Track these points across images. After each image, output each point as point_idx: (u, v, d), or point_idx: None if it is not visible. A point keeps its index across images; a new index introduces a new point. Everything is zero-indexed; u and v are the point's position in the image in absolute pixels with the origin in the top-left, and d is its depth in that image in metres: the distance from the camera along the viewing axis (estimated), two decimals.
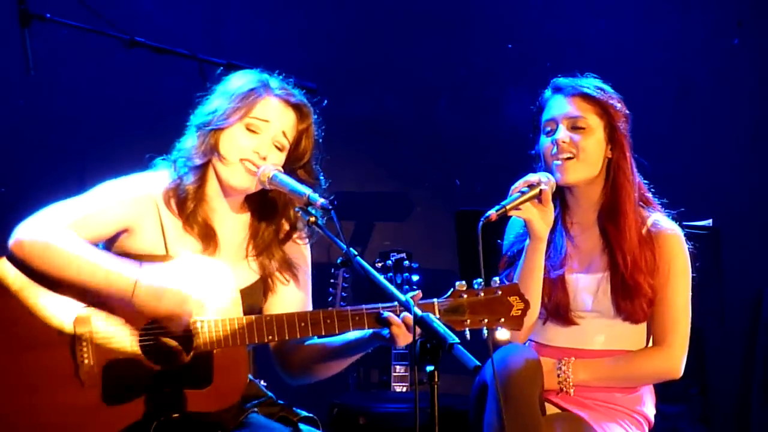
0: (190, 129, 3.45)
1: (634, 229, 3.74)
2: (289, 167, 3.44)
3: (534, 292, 3.72)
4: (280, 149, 3.42)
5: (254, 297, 3.48)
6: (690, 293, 3.77)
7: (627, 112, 3.80)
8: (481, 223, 3.60)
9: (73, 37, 4.93)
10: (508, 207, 3.66)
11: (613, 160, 3.77)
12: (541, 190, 3.67)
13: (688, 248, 3.79)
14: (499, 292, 3.36)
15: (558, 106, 3.78)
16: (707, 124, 5.80)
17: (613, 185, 3.76)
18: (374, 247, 5.75)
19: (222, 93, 3.45)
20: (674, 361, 3.74)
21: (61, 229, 3.26)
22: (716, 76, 5.81)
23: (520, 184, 3.69)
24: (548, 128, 3.78)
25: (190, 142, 3.44)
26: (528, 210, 3.69)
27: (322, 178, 3.51)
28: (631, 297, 3.72)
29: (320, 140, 3.50)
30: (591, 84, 3.79)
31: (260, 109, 3.40)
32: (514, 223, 3.92)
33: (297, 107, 3.44)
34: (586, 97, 3.76)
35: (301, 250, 3.56)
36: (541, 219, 3.70)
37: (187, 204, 3.40)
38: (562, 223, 3.84)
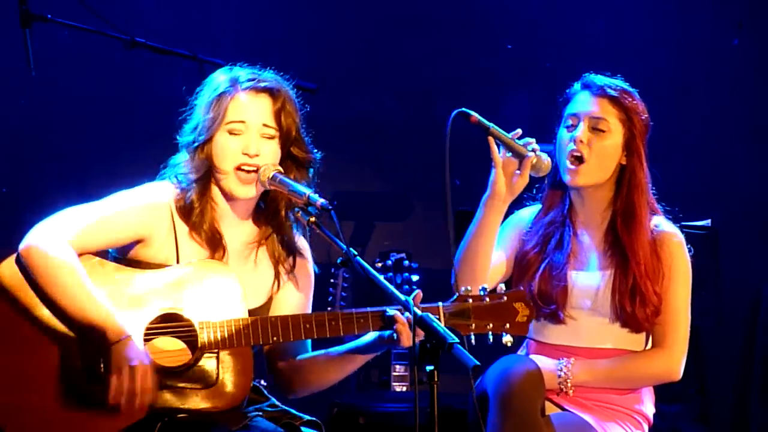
0: (181, 148, 3.45)
1: (647, 240, 3.74)
2: (284, 148, 3.43)
3: (483, 252, 3.71)
4: (270, 138, 3.41)
5: (265, 314, 3.47)
6: (690, 296, 3.78)
7: (650, 122, 3.80)
8: (457, 112, 3.60)
9: (74, 37, 4.94)
10: (493, 130, 3.64)
11: (627, 167, 3.77)
12: (527, 156, 3.65)
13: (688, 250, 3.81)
14: (505, 298, 3.37)
15: (583, 103, 3.78)
16: (707, 125, 5.80)
17: (629, 193, 3.75)
18: (374, 247, 5.75)
19: (198, 106, 3.44)
20: (674, 363, 3.75)
21: (70, 251, 3.23)
22: (716, 76, 5.81)
23: (520, 134, 3.66)
24: (570, 122, 3.79)
25: (182, 158, 3.43)
26: (502, 161, 3.66)
27: (314, 151, 3.49)
28: (642, 303, 3.72)
29: (301, 111, 3.47)
30: (620, 87, 3.78)
31: (233, 111, 3.38)
32: (510, 220, 3.93)
33: (267, 91, 3.41)
34: (612, 100, 3.75)
35: (304, 251, 3.57)
36: (507, 179, 3.65)
37: (193, 212, 3.40)
38: (570, 221, 3.85)
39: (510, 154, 3.66)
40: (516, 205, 3.95)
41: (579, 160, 3.75)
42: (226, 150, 3.38)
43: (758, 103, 5.79)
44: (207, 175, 3.42)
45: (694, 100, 5.80)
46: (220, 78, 3.44)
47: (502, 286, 3.40)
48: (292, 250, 3.52)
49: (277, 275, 3.50)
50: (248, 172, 3.38)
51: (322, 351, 3.47)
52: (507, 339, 3.35)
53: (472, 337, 3.34)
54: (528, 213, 3.93)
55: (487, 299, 3.36)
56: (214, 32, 5.68)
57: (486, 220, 3.70)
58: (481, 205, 3.71)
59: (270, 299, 3.50)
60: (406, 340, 3.25)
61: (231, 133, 3.38)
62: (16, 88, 5.34)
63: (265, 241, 3.50)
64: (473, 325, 3.33)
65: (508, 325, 3.35)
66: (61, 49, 5.28)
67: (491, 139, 3.66)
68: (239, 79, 3.42)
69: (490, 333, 3.35)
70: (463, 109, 3.62)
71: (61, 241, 3.25)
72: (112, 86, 5.54)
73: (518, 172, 3.65)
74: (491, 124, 3.65)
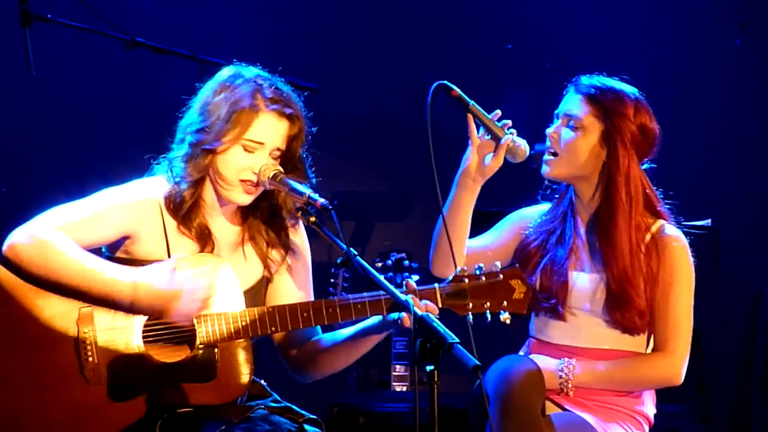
0: (183, 143, 3.40)
1: (625, 242, 3.71)
2: (281, 165, 3.43)
3: (456, 233, 3.70)
4: (276, 158, 3.40)
5: (259, 296, 3.49)
6: (692, 301, 3.77)
7: (644, 124, 3.76)
8: (438, 84, 3.61)
9: (74, 37, 4.94)
10: (472, 107, 3.64)
11: (606, 166, 3.77)
12: (503, 138, 3.64)
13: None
14: (501, 276, 3.37)
15: (566, 102, 3.80)
16: (707, 125, 5.80)
17: (607, 195, 3.75)
18: (374, 247, 5.76)
19: (212, 104, 3.38)
20: (675, 368, 3.75)
21: (55, 232, 3.23)
22: (717, 76, 5.82)
23: (500, 116, 3.66)
24: (555, 120, 3.81)
25: (182, 153, 3.40)
26: (479, 142, 3.66)
27: (310, 171, 3.48)
28: (621, 309, 3.72)
29: (310, 136, 3.45)
30: (606, 86, 3.77)
31: (255, 131, 3.34)
32: (513, 214, 3.94)
33: (288, 117, 3.39)
34: (591, 99, 3.75)
35: (298, 238, 3.56)
36: (479, 158, 3.65)
37: (183, 206, 3.39)
38: (572, 217, 3.85)
39: (489, 136, 3.66)
40: (524, 205, 3.96)
41: (553, 154, 3.78)
42: (236, 164, 3.36)
43: (759, 104, 5.80)
44: (204, 177, 3.41)
45: (695, 100, 5.80)
46: (243, 87, 3.38)
47: (497, 264, 3.40)
48: (283, 232, 3.52)
49: (267, 258, 3.50)
50: (251, 184, 3.38)
51: (330, 336, 3.47)
52: (505, 317, 3.35)
53: (470, 317, 3.34)
54: (534, 210, 3.94)
55: (483, 278, 3.35)
56: (214, 32, 5.68)
57: (457, 198, 3.71)
58: (453, 184, 3.72)
59: (262, 279, 3.50)
60: (408, 322, 3.25)
61: (245, 149, 3.36)
62: (16, 88, 5.35)
63: (251, 230, 3.49)
64: (470, 304, 3.33)
65: (505, 303, 3.35)
66: (61, 49, 5.28)
67: (470, 117, 3.66)
68: (264, 92, 3.37)
69: (488, 312, 3.34)
70: (445, 81, 3.61)
71: (43, 227, 3.23)
72: (112, 86, 5.54)
73: (493, 154, 3.65)
74: (472, 101, 3.65)
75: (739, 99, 5.81)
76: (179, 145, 3.42)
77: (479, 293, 3.34)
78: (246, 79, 3.40)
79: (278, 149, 3.39)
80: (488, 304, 3.34)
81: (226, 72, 3.45)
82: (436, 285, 3.35)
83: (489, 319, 3.36)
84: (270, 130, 3.37)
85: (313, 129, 3.47)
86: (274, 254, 3.51)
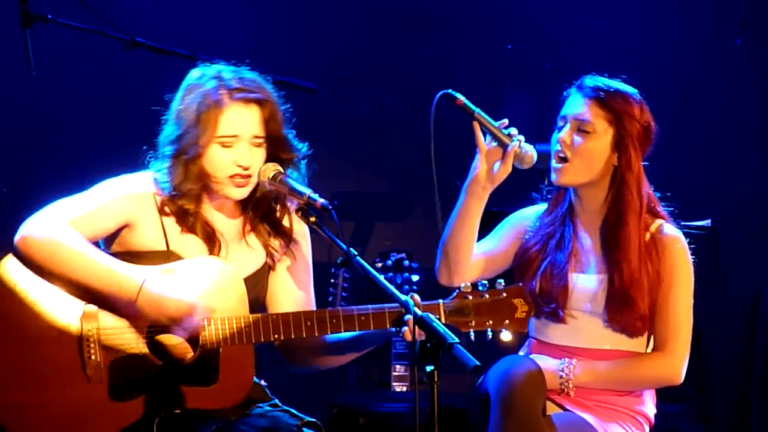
0: (165, 157, 3.40)
1: (635, 245, 3.72)
2: (270, 151, 3.43)
3: (464, 240, 3.72)
4: (258, 146, 3.40)
5: (259, 286, 3.49)
6: (692, 301, 3.78)
7: (648, 122, 3.77)
8: (442, 93, 3.62)
9: (74, 37, 4.94)
10: (478, 116, 3.65)
11: (617, 168, 3.77)
12: (510, 145, 3.65)
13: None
14: (504, 294, 3.38)
15: (572, 105, 3.78)
16: (707, 125, 5.80)
17: (617, 197, 3.75)
18: (374, 247, 5.76)
19: (182, 109, 3.40)
20: (675, 368, 3.75)
21: (66, 227, 3.28)
22: (717, 76, 5.81)
23: (507, 124, 3.67)
24: (560, 124, 3.80)
25: (166, 166, 3.40)
26: (487, 149, 3.67)
27: (300, 146, 3.47)
28: (623, 311, 3.72)
29: (287, 114, 3.44)
30: (612, 88, 3.76)
31: (225, 125, 3.35)
32: (512, 216, 3.94)
33: (256, 101, 3.39)
34: (599, 102, 3.74)
35: (299, 228, 3.56)
36: (488, 166, 3.66)
37: (188, 218, 3.42)
38: (570, 220, 3.85)
39: (496, 143, 3.66)
40: (525, 205, 3.96)
41: (564, 160, 3.76)
42: (219, 162, 3.37)
43: (759, 104, 5.80)
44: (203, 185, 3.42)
45: (696, 101, 5.80)
46: (206, 86, 3.40)
47: (501, 282, 3.41)
48: (285, 219, 3.52)
49: (269, 245, 3.51)
50: (243, 177, 3.38)
51: (330, 336, 3.46)
52: (506, 335, 3.36)
53: (472, 334, 3.35)
54: (532, 211, 3.94)
55: (487, 296, 3.37)
56: (214, 32, 5.68)
57: (466, 206, 3.72)
58: (462, 191, 3.73)
59: (264, 266, 3.50)
60: (409, 336, 3.26)
61: (223, 145, 3.37)
62: (16, 88, 5.34)
63: (252, 220, 3.49)
64: (473, 322, 3.35)
65: (507, 322, 3.37)
66: (61, 49, 5.28)
67: (476, 125, 3.66)
68: (227, 85, 3.39)
69: (489, 329, 3.35)
70: (449, 90, 3.62)
71: (55, 221, 3.28)
72: (112, 86, 5.54)
73: (501, 161, 3.66)
74: (477, 109, 3.66)
75: (739, 99, 5.81)
76: (162, 159, 3.43)
77: (482, 311, 3.36)
78: (208, 77, 3.42)
79: (256, 137, 3.39)
80: (490, 321, 3.36)
81: (191, 75, 3.47)
82: (441, 301, 3.36)
83: (490, 336, 3.37)
84: (239, 120, 3.37)
85: (283, 103, 3.45)
86: (276, 243, 3.51)
